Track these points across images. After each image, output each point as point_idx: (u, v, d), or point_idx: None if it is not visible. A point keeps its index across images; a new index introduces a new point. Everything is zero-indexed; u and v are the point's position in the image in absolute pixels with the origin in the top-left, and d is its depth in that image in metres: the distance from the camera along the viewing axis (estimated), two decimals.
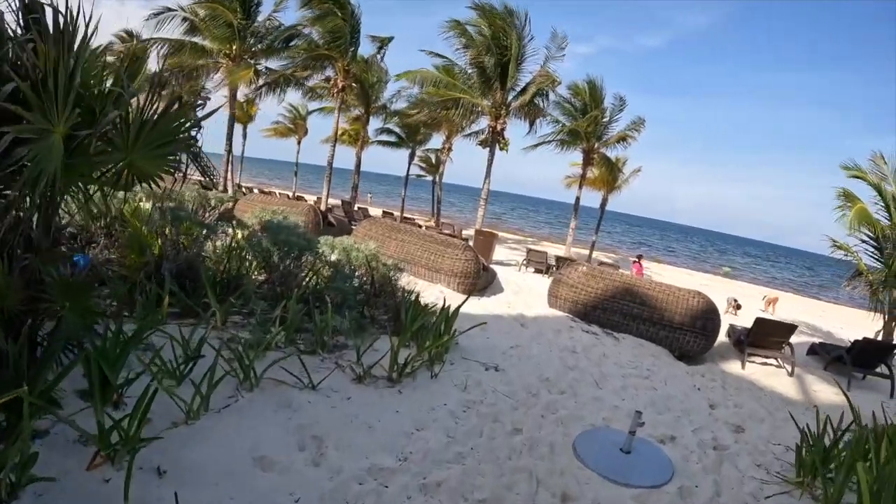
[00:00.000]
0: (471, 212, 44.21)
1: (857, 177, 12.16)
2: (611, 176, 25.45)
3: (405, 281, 9.78)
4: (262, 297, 6.36)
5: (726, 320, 10.86)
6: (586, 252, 26.88)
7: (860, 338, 9.01)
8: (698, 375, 8.22)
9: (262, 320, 5.68)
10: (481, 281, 10.75)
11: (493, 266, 15.36)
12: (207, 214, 10.59)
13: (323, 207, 21.20)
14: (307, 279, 6.93)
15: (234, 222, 9.39)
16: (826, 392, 8.29)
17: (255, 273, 7.16)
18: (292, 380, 4.70)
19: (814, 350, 10.39)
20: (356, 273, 7.74)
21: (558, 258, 18.03)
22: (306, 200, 23.07)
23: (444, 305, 6.67)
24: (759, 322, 9.07)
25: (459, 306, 6.75)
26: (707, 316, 8.93)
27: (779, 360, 9.29)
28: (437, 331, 6.27)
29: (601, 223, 27.07)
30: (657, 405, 6.33)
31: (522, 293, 11.66)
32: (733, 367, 9.07)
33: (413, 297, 7.27)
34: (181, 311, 5.70)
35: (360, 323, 6.48)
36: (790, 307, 22.46)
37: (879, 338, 11.62)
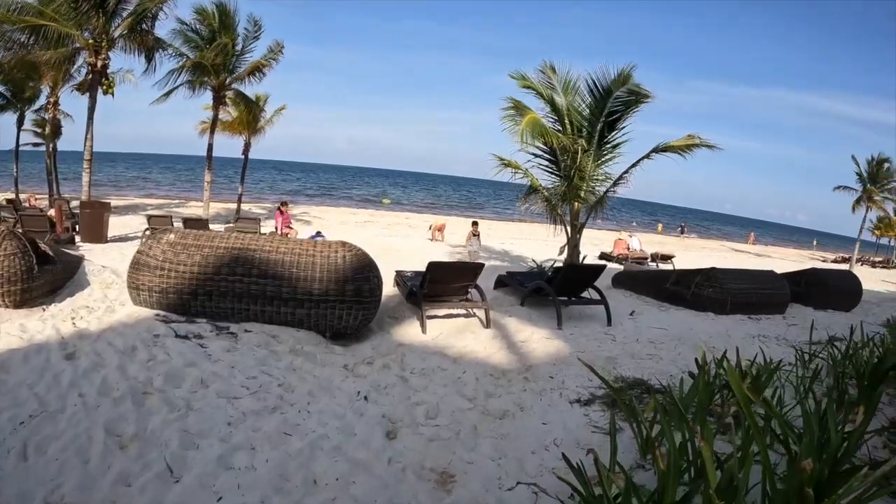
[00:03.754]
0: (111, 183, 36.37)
1: (528, 87, 10.76)
2: (251, 116, 22.13)
3: None
4: None
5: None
6: (234, 206, 24.73)
7: (560, 262, 7.42)
8: (363, 366, 5.42)
9: None
10: (43, 282, 6.43)
11: (112, 244, 12.56)
12: None
13: None
14: None
15: None
16: (538, 339, 6.33)
17: None
18: None
19: (502, 282, 8.65)
20: None
21: (188, 220, 13.97)
22: None
23: None
24: (434, 267, 6.70)
25: None
26: (361, 274, 6.13)
27: (468, 309, 7.13)
28: None
29: (246, 172, 24.46)
30: (289, 477, 3.24)
31: (116, 285, 7.55)
32: (411, 332, 6.58)
33: None
34: None
35: None
36: (459, 230, 22.26)
37: (564, 254, 10.62)
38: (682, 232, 44.90)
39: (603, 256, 17.50)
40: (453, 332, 6.58)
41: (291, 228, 16.22)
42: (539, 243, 18.84)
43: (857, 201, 31.02)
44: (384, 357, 5.70)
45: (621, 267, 14.27)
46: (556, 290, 7.13)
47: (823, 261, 38.07)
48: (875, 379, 4.43)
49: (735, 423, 3.65)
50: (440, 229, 21.07)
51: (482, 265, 7.00)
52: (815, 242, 62.85)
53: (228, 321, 6.06)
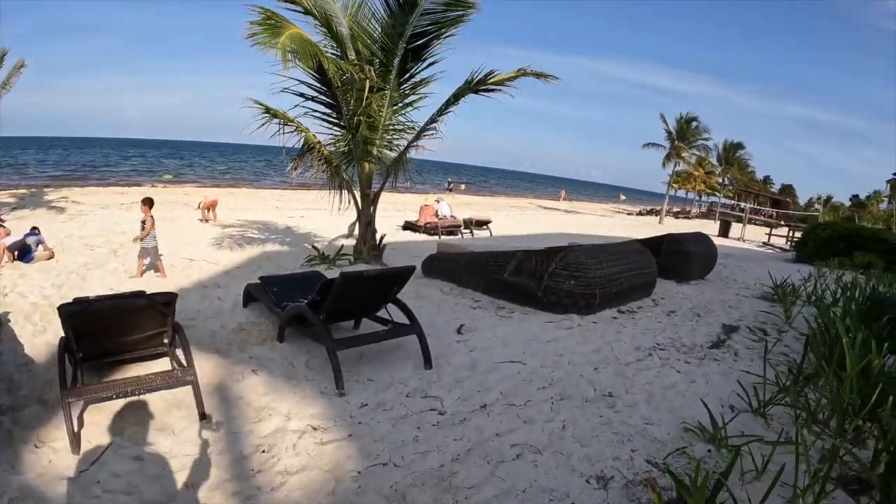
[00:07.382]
0: None
1: (293, 1, 7.59)
2: None
3: None
4: None
5: None
6: None
7: (337, 268, 4.62)
8: None
9: None
10: None
11: None
12: None
13: None
14: None
15: None
16: (297, 432, 3.47)
17: None
18: None
19: (250, 295, 5.61)
20: None
21: None
22: None
23: None
24: (75, 313, 3.39)
25: None
26: None
27: (181, 374, 3.97)
28: None
29: None
30: None
31: None
32: (53, 449, 3.28)
33: None
34: None
35: None
36: (241, 205, 19.02)
37: (355, 232, 7.88)
38: (448, 188, 42.63)
39: (408, 226, 15.12)
40: (135, 434, 3.42)
41: (2, 227, 11.15)
42: (341, 215, 15.97)
43: (667, 157, 32.34)
44: None
45: (433, 241, 11.71)
46: (328, 312, 4.17)
47: (629, 214, 39.69)
48: None
49: None
50: (211, 207, 17.16)
51: (174, 295, 3.78)
52: (621, 197, 66.37)
53: None
